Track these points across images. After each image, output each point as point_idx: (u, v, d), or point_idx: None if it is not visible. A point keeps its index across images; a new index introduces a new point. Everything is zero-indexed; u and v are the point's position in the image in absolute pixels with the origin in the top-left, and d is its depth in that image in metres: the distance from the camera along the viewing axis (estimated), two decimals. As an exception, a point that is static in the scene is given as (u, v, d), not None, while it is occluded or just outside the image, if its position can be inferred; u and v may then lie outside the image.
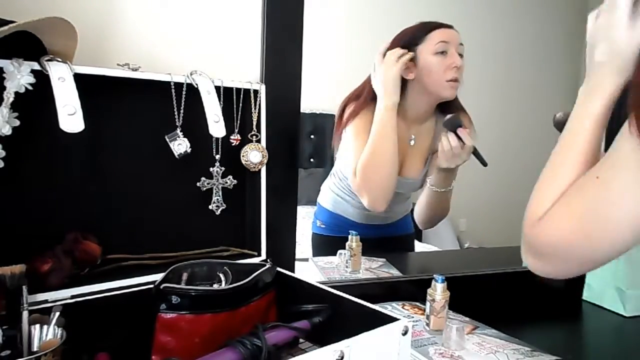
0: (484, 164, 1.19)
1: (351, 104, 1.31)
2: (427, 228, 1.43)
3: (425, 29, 1.24)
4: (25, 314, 0.57)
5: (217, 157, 0.82)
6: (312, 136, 2.77)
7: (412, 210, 1.58)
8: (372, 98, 1.26)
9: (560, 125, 0.85)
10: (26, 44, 0.63)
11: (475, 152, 1.18)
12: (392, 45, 1.26)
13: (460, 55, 1.24)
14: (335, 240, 1.45)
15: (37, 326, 0.58)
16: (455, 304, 0.96)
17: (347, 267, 1.21)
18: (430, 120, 1.36)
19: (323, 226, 1.50)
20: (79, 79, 0.65)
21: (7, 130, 0.61)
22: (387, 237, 1.48)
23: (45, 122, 0.65)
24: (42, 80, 0.63)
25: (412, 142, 1.34)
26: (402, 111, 1.29)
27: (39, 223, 0.69)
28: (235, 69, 0.94)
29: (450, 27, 1.25)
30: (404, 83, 1.25)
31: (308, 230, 1.55)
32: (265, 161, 0.86)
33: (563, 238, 0.58)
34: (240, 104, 0.83)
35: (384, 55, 1.23)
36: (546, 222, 0.61)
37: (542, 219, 0.61)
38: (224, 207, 0.84)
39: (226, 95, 0.81)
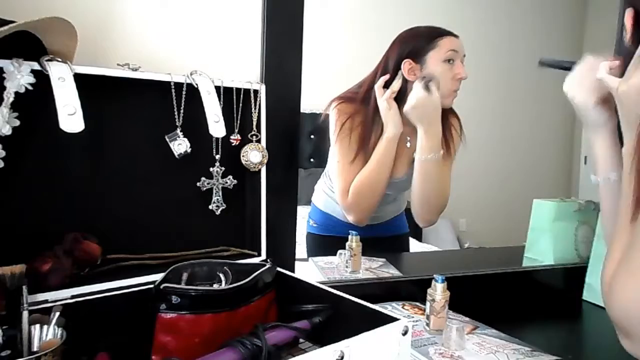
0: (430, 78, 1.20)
1: (341, 104, 1.29)
2: (426, 223, 1.35)
3: (435, 33, 1.23)
4: (25, 314, 0.57)
5: (217, 157, 0.82)
6: (312, 136, 2.77)
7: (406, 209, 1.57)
8: (364, 101, 1.27)
9: (543, 64, 0.86)
10: (26, 44, 0.63)
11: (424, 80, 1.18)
12: (397, 47, 1.25)
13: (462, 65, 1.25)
14: (328, 239, 1.45)
15: (37, 326, 0.58)
16: (455, 304, 0.96)
17: (347, 267, 1.21)
18: None
19: (315, 225, 1.51)
20: (79, 79, 0.65)
21: (7, 130, 0.61)
22: (380, 237, 1.46)
23: (45, 122, 0.65)
24: (42, 80, 0.63)
25: (409, 145, 1.34)
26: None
27: (39, 223, 0.69)
28: (235, 69, 0.94)
29: (457, 36, 1.25)
30: (405, 84, 1.25)
31: (307, 230, 1.55)
32: (265, 161, 0.86)
33: (635, 307, 0.51)
34: (240, 104, 0.83)
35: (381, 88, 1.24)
36: (613, 291, 0.55)
37: (610, 287, 0.55)
38: (224, 207, 0.84)
39: (226, 95, 0.81)
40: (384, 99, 1.22)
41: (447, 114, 1.29)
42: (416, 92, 1.18)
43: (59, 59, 0.65)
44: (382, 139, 1.24)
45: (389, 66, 1.25)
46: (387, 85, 1.24)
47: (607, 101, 0.76)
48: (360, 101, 1.28)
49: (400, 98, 1.25)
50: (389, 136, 1.23)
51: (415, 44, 1.24)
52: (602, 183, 0.78)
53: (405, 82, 1.24)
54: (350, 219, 1.31)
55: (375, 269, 1.25)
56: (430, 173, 1.24)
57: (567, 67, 0.83)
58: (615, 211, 0.68)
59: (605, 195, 0.80)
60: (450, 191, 1.31)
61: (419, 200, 1.30)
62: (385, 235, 1.49)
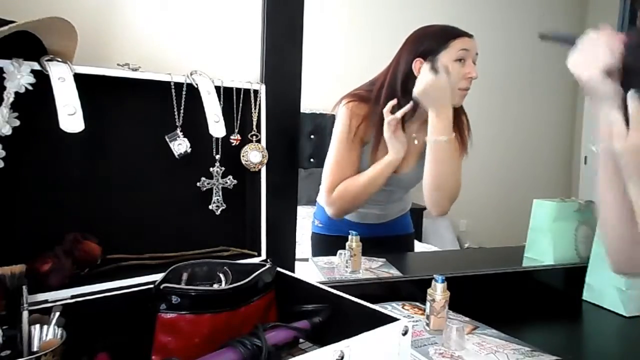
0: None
1: (352, 103, 1.29)
2: (439, 210, 1.31)
3: (448, 35, 1.23)
4: (25, 314, 0.57)
5: (217, 157, 0.82)
6: (312, 136, 2.77)
7: (411, 210, 1.57)
8: (377, 101, 1.27)
9: (545, 37, 0.84)
10: (26, 44, 0.63)
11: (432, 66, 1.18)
12: (409, 46, 1.25)
13: (474, 64, 1.25)
14: (333, 239, 1.45)
15: (37, 326, 0.58)
16: (455, 304, 0.96)
17: (347, 267, 1.21)
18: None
19: (321, 225, 1.50)
20: (79, 79, 0.66)
21: (7, 130, 0.61)
22: (385, 236, 1.47)
23: (45, 122, 0.65)
24: (42, 80, 0.63)
25: (416, 142, 1.34)
26: (410, 110, 1.28)
27: (39, 223, 0.69)
28: (235, 69, 0.94)
29: (471, 36, 1.25)
30: (417, 106, 1.25)
31: (308, 230, 1.55)
32: (265, 161, 0.86)
33: None
34: (240, 104, 0.83)
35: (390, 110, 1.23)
36: None
37: None
38: (224, 207, 0.84)
39: (226, 95, 0.81)
40: (388, 123, 1.22)
41: (459, 113, 1.29)
42: (425, 76, 1.18)
43: (59, 59, 0.65)
44: (382, 161, 1.24)
45: (400, 65, 1.25)
46: (401, 96, 1.24)
47: (613, 73, 0.77)
48: (373, 101, 1.28)
49: (404, 97, 1.24)
50: (389, 160, 1.23)
51: (428, 44, 1.23)
52: (602, 151, 0.77)
53: (416, 104, 1.23)
54: (328, 211, 1.33)
55: (375, 269, 1.25)
56: (443, 156, 1.23)
57: (571, 42, 0.82)
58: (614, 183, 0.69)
59: (605, 164, 0.77)
60: (461, 182, 1.30)
61: (433, 184, 1.28)
62: (391, 235, 1.49)
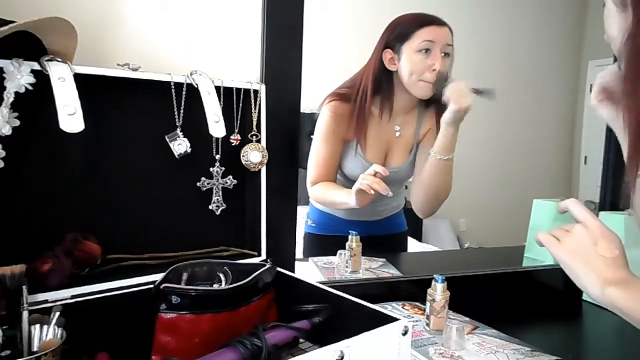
0: (492, 94, 1.14)
1: (334, 102, 1.30)
2: (428, 213, 1.33)
3: (416, 24, 1.22)
4: (25, 314, 0.57)
5: (217, 157, 0.82)
6: (312, 136, 2.77)
7: (405, 208, 1.57)
8: (360, 100, 1.27)
9: None
10: (26, 44, 0.63)
11: (477, 91, 1.14)
12: (382, 37, 1.26)
13: (447, 55, 1.23)
14: (326, 239, 1.45)
15: (37, 326, 0.58)
16: (455, 304, 0.96)
17: (347, 267, 1.21)
18: (414, 110, 1.35)
19: (314, 225, 1.50)
20: (79, 79, 0.66)
21: (7, 130, 0.61)
22: (379, 235, 1.46)
23: (45, 122, 0.65)
24: (42, 80, 0.63)
25: (398, 134, 1.34)
26: (388, 102, 1.29)
27: (39, 223, 0.69)
28: (235, 69, 0.94)
29: (442, 24, 1.23)
30: (390, 74, 1.26)
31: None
32: (265, 161, 0.86)
33: None
34: (240, 104, 0.83)
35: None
36: None
37: None
38: (224, 207, 0.84)
39: (226, 95, 0.81)
40: (356, 188, 1.15)
41: (441, 105, 1.26)
42: (468, 99, 1.12)
43: (59, 59, 0.65)
44: (344, 196, 1.21)
45: (374, 58, 1.26)
46: (376, 87, 1.26)
47: (610, 98, 0.78)
48: (353, 99, 1.28)
49: (380, 89, 1.28)
50: (349, 204, 1.20)
51: (396, 34, 1.24)
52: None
53: (389, 71, 1.25)
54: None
55: (375, 269, 1.25)
56: (444, 171, 1.24)
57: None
58: None
59: None
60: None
61: (431, 195, 1.28)
62: (384, 234, 1.49)
